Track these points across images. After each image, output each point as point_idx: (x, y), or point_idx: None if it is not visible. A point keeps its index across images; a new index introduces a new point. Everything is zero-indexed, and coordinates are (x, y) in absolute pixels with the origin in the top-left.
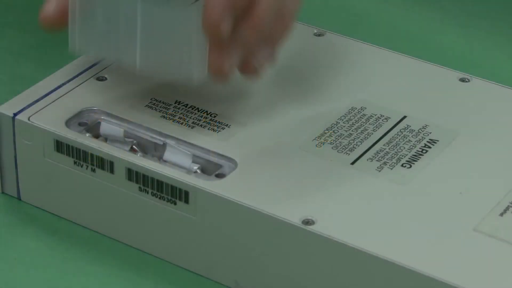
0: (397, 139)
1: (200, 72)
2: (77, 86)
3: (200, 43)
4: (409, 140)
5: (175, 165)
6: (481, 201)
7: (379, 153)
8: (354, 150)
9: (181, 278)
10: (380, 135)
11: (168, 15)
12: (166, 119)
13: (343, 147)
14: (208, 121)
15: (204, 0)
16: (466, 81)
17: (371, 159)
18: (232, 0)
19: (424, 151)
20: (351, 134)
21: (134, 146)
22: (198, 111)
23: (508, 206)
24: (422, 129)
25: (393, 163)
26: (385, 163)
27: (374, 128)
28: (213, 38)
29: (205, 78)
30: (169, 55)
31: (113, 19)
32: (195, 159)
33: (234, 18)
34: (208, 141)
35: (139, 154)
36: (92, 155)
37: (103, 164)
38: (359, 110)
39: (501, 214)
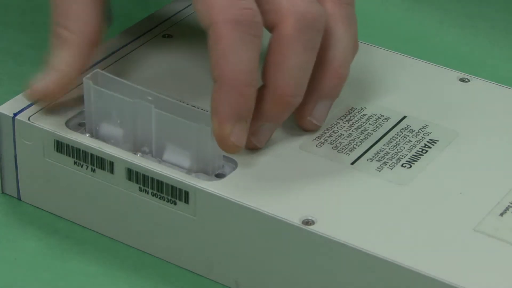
0: (397, 139)
1: (216, 165)
2: (77, 86)
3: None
4: (409, 140)
5: (175, 165)
6: (481, 201)
7: (379, 153)
8: (354, 150)
9: (181, 278)
10: (380, 135)
11: (182, 124)
12: None
13: (343, 147)
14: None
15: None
16: (466, 81)
17: (371, 159)
18: (240, 105)
19: (424, 151)
20: (351, 134)
21: (139, 154)
22: None
23: (508, 206)
24: (422, 129)
25: (393, 163)
26: (385, 163)
27: (374, 128)
28: (225, 150)
29: (220, 168)
30: (184, 154)
31: (128, 119)
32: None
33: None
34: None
35: (139, 154)
36: (92, 155)
37: (103, 164)
38: (359, 110)
39: (501, 214)
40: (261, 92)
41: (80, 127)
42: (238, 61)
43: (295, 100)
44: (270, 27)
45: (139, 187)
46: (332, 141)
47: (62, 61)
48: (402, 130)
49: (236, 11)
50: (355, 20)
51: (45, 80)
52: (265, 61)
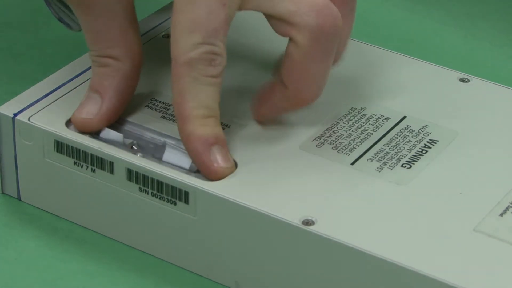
0: (397, 139)
1: None
2: (78, 86)
3: None
4: (409, 141)
5: (175, 166)
6: (481, 201)
7: (379, 154)
8: (354, 150)
9: (181, 278)
10: (380, 135)
11: None
12: (166, 119)
13: (343, 147)
14: None
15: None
16: (466, 81)
17: (371, 160)
18: (205, 136)
19: (424, 151)
20: (351, 135)
21: (134, 147)
22: None
23: (508, 206)
24: (422, 129)
25: (393, 164)
26: (385, 164)
27: (374, 128)
28: (215, 178)
29: None
30: (184, 154)
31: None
32: None
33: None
34: None
35: (139, 154)
36: (92, 155)
37: (103, 164)
38: (359, 110)
39: (501, 214)
40: (280, 89)
41: None
42: (194, 99)
43: (315, 101)
44: (285, 37)
45: (139, 187)
46: (332, 141)
47: (111, 89)
48: (402, 130)
49: (194, 55)
50: (355, 11)
51: (97, 110)
52: (285, 64)
